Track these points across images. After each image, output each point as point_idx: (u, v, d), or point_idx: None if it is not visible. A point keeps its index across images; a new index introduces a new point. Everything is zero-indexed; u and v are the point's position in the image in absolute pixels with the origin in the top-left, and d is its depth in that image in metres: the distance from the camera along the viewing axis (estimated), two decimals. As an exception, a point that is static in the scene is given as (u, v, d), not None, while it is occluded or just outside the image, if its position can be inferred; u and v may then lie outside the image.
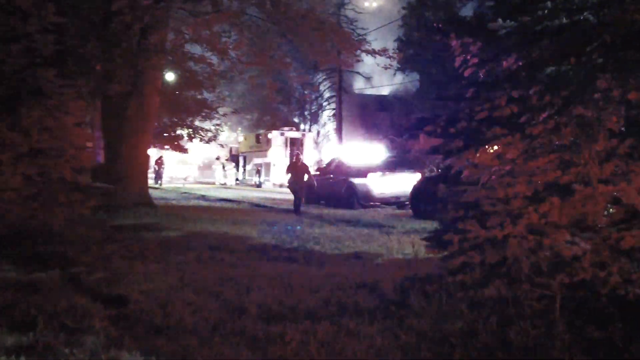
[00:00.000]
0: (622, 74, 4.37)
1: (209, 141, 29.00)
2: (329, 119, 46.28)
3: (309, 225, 13.31)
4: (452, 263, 5.41)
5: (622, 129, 4.75)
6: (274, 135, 34.64)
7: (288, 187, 16.72)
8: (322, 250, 9.56)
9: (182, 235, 10.98)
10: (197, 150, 39.19)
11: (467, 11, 34.74)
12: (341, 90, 41.32)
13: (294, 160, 16.92)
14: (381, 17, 37.73)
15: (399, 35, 38.08)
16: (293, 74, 31.09)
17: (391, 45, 27.08)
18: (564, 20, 4.88)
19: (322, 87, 47.08)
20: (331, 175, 20.40)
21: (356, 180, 19.24)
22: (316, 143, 39.58)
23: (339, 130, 40.40)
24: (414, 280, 6.27)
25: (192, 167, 46.16)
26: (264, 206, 19.73)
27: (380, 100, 45.87)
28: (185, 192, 27.48)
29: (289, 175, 16.44)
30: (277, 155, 34.31)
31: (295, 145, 34.92)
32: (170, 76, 21.06)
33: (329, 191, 19.88)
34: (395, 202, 19.14)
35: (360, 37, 18.09)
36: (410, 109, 38.63)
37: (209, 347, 4.44)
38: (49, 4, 8.92)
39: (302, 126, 47.80)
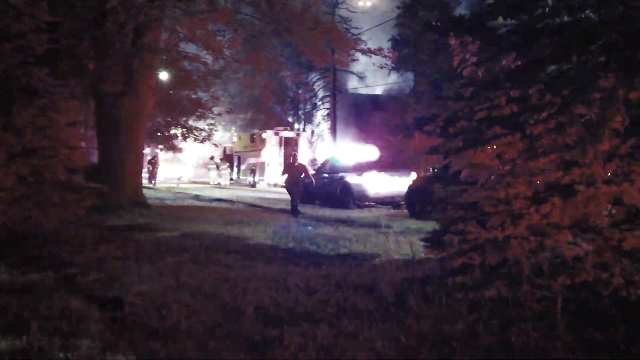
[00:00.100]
0: (626, 73, 4.31)
1: (203, 141, 28.90)
2: (323, 119, 46.26)
3: (305, 226, 13.24)
4: (451, 264, 5.36)
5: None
6: (269, 134, 34.54)
7: (285, 187, 16.61)
8: (319, 251, 9.48)
9: (177, 235, 10.89)
10: (191, 150, 39.09)
11: (460, 10, 34.77)
12: (335, 89, 41.27)
13: (290, 161, 16.81)
14: (375, 17, 37.72)
15: (393, 34, 38.09)
16: (287, 74, 31.04)
17: (385, 44, 26.98)
18: (565, 19, 4.84)
19: (316, 87, 47.05)
20: (326, 175, 20.32)
21: (351, 180, 19.17)
22: (310, 143, 39.45)
23: (333, 130, 40.38)
24: (412, 282, 6.21)
25: (186, 166, 46.01)
26: (259, 206, 19.64)
27: (374, 100, 45.86)
28: (179, 192, 27.35)
29: (286, 175, 16.35)
30: (272, 155, 34.21)
31: (289, 144, 34.84)
32: (164, 75, 20.97)
33: (324, 191, 19.80)
34: (390, 201, 19.07)
35: (356, 37, 17.95)
36: (404, 109, 38.61)
37: (206, 351, 4.37)
38: (42, 2, 8.84)
39: (296, 126, 47.76)
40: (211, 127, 29.11)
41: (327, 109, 44.75)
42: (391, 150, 30.26)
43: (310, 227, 13.00)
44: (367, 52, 16.92)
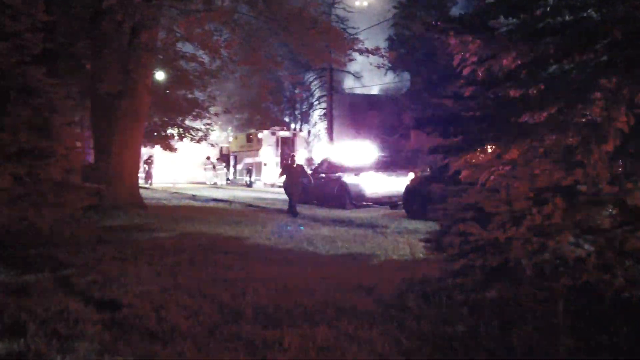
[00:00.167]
0: (628, 73, 4.28)
1: (199, 141, 28.77)
2: (320, 118, 46.17)
3: (303, 226, 13.21)
4: (452, 266, 5.32)
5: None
6: (265, 134, 34.46)
7: (283, 188, 16.56)
8: (317, 251, 9.45)
9: (174, 236, 10.84)
10: (188, 150, 38.94)
11: (457, 10, 34.75)
12: (332, 89, 41.23)
13: (289, 162, 16.76)
14: (371, 16, 37.61)
15: (390, 34, 38.03)
16: (284, 73, 30.98)
17: (382, 44, 26.97)
18: (567, 18, 4.80)
19: (312, 87, 46.99)
20: (323, 175, 20.28)
21: (348, 180, 19.14)
22: (307, 142, 39.37)
23: (329, 130, 40.32)
24: (412, 283, 6.18)
25: (183, 166, 45.86)
26: (257, 206, 19.59)
27: (370, 100, 45.82)
28: (175, 192, 27.29)
29: (284, 176, 16.31)
30: (268, 155, 34.14)
31: (286, 144, 34.78)
32: (160, 75, 20.87)
33: (321, 191, 19.77)
34: (387, 201, 19.05)
35: (352, 36, 17.89)
36: (401, 108, 38.62)
37: (206, 353, 4.33)
38: (38, 1, 8.78)
39: (292, 125, 47.68)
40: (207, 127, 29.00)
41: (324, 108, 44.65)
42: (388, 150, 30.27)
43: (302, 227, 12.97)
44: (365, 51, 16.88)
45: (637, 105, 4.50)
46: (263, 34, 16.90)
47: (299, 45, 16.52)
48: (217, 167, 38.64)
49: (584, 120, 4.77)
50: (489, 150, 5.56)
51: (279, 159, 34.15)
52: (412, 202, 15.88)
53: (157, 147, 30.57)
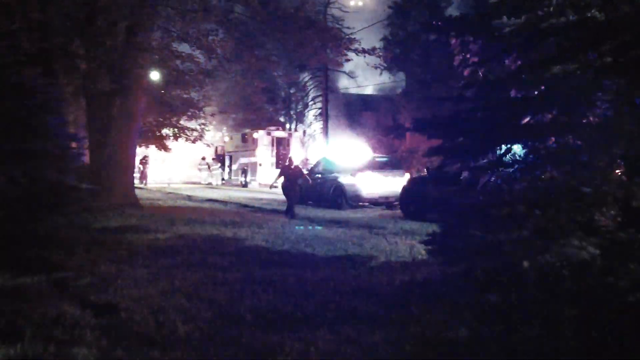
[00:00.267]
0: (635, 74, 4.23)
1: (194, 141, 28.73)
2: (315, 118, 46.07)
3: (300, 226, 13.14)
4: (454, 268, 5.27)
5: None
6: (261, 134, 34.32)
7: (282, 189, 16.46)
8: (315, 253, 9.37)
9: (170, 237, 10.74)
10: (182, 150, 38.80)
11: (452, 11, 34.75)
12: (327, 89, 41.14)
13: (287, 163, 16.66)
14: (365, 16, 37.57)
15: (385, 34, 37.98)
16: (279, 73, 30.87)
17: (376, 44, 26.78)
18: (571, 18, 4.75)
19: (307, 86, 46.87)
20: (319, 176, 20.19)
21: (344, 181, 19.06)
22: (302, 143, 39.22)
23: (325, 130, 40.22)
24: (413, 285, 6.12)
25: (177, 166, 45.73)
26: (252, 207, 19.49)
27: (365, 100, 45.76)
28: (170, 192, 27.14)
29: (282, 177, 16.20)
30: (264, 155, 34.00)
31: (281, 145, 34.67)
32: (155, 75, 20.78)
33: (317, 191, 19.67)
34: (384, 202, 18.99)
35: (348, 36, 17.82)
36: (396, 109, 38.56)
37: (206, 359, 4.25)
38: (33, 1, 8.70)
39: (287, 125, 47.56)
40: (203, 127, 28.93)
41: (319, 108, 44.54)
42: (383, 150, 30.22)
43: (302, 227, 12.91)
44: (362, 52, 16.82)
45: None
46: (259, 34, 16.83)
47: (295, 45, 16.44)
48: (212, 167, 38.50)
49: (588, 121, 4.72)
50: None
51: (274, 159, 34.04)
52: (409, 203, 15.82)
53: (152, 147, 30.53)
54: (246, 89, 22.05)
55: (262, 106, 42.48)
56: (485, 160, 5.57)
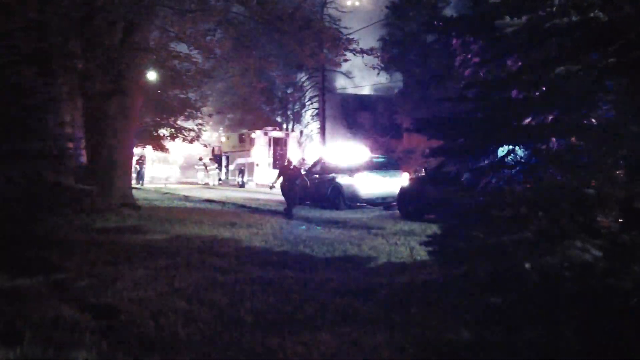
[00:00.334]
0: (637, 75, 4.21)
1: (191, 141, 28.67)
2: (312, 119, 46.05)
3: (297, 228, 13.10)
4: (455, 270, 5.24)
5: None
6: (258, 135, 34.24)
7: (281, 190, 16.39)
8: (313, 254, 9.33)
9: (168, 238, 10.70)
10: (179, 150, 38.77)
11: (449, 11, 34.74)
12: (324, 89, 41.12)
13: (285, 164, 16.61)
14: (362, 17, 37.54)
15: (382, 34, 37.97)
16: (277, 73, 30.83)
17: (373, 44, 26.73)
18: (574, 18, 4.73)
19: (304, 87, 46.85)
20: (317, 176, 20.14)
21: (342, 181, 19.03)
22: (299, 143, 39.18)
23: (322, 130, 40.21)
24: (413, 287, 6.09)
25: (174, 166, 45.67)
26: (250, 207, 19.44)
27: (362, 100, 45.76)
28: (167, 193, 27.06)
29: (281, 178, 16.15)
30: (261, 155, 33.93)
31: (278, 145, 34.62)
32: (152, 75, 20.71)
33: (315, 192, 19.63)
34: (381, 202, 18.96)
35: (346, 37, 17.76)
36: (393, 109, 38.57)
37: (207, 362, 4.23)
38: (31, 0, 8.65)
39: (284, 126, 47.52)
40: (200, 127, 28.89)
41: (316, 108, 44.52)
42: (380, 150, 30.20)
43: (301, 228, 12.89)
44: (360, 52, 16.80)
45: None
46: (256, 34, 16.77)
47: (293, 45, 16.40)
48: (209, 168, 38.43)
49: (590, 123, 4.69)
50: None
51: (271, 160, 33.99)
52: (407, 204, 15.78)
53: (149, 147, 30.48)
54: (244, 89, 22.01)
55: (259, 106, 42.49)
56: (486, 162, 5.55)
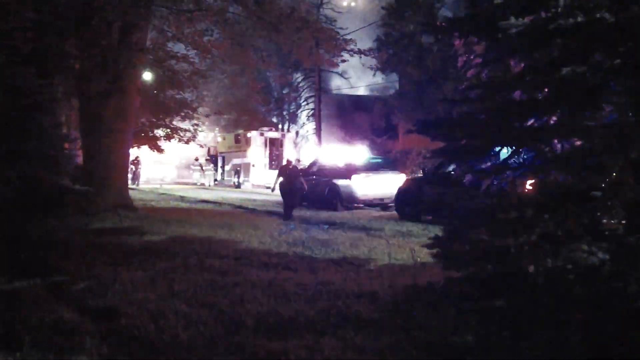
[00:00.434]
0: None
1: (187, 141, 28.61)
2: (308, 119, 46.04)
3: (295, 229, 13.04)
4: (459, 272, 5.19)
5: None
6: (254, 135, 34.17)
7: (280, 191, 16.30)
8: (312, 255, 9.29)
9: (165, 239, 10.64)
10: (174, 150, 38.66)
11: (445, 11, 34.73)
12: (320, 90, 41.09)
13: (285, 164, 16.51)
14: (358, 17, 37.56)
15: (379, 35, 37.92)
16: (273, 74, 30.78)
17: (369, 45, 26.83)
18: (579, 19, 4.68)
19: (300, 87, 46.84)
20: (313, 177, 20.09)
21: (339, 182, 18.99)
22: (295, 143, 39.15)
23: (318, 131, 40.17)
24: (416, 289, 6.05)
25: (169, 167, 45.56)
26: (246, 208, 19.40)
27: (358, 100, 45.73)
28: (163, 193, 26.98)
29: (281, 178, 16.03)
30: (257, 156, 33.87)
31: (274, 145, 34.57)
32: (148, 75, 20.63)
33: (312, 193, 19.55)
34: (379, 203, 18.94)
35: (343, 37, 17.71)
36: (389, 109, 38.54)
37: (210, 366, 4.17)
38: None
39: (280, 126, 47.47)
40: (195, 127, 28.83)
41: (312, 109, 44.53)
42: (377, 151, 30.19)
43: (298, 229, 12.85)
44: (357, 52, 16.77)
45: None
46: (253, 35, 16.71)
47: (290, 45, 16.36)
48: (204, 168, 38.36)
49: (597, 124, 4.64)
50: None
51: (267, 160, 33.95)
52: (405, 205, 15.77)
53: (144, 148, 30.38)
54: (240, 89, 21.93)
55: (255, 107, 42.44)
56: (489, 163, 5.51)
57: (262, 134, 34.52)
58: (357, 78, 44.30)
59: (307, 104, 46.43)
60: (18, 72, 8.48)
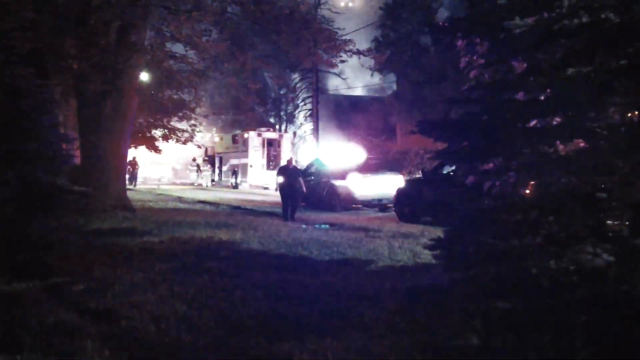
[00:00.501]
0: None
1: (185, 142, 28.53)
2: (305, 120, 45.99)
3: (294, 230, 12.99)
4: (461, 274, 5.15)
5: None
6: (251, 135, 34.10)
7: (279, 191, 16.22)
8: (312, 256, 9.24)
9: (164, 240, 10.58)
10: (171, 151, 38.60)
11: (442, 13, 34.77)
12: (318, 91, 41.04)
13: (285, 164, 16.38)
14: (355, 18, 37.51)
15: (376, 35, 37.92)
16: (271, 74, 30.69)
17: (366, 45, 26.77)
18: (584, 19, 4.65)
19: (298, 87, 46.79)
20: (312, 178, 20.04)
21: (337, 183, 18.97)
22: (293, 144, 39.12)
23: (315, 131, 40.11)
24: (418, 291, 6.01)
25: (167, 167, 45.52)
26: (244, 209, 19.35)
27: (355, 101, 45.69)
28: (161, 194, 26.92)
29: (281, 179, 15.93)
30: (254, 156, 33.81)
31: (272, 146, 34.53)
32: (145, 76, 20.52)
33: (310, 193, 19.47)
34: (377, 204, 18.91)
35: (345, 38, 17.64)
36: (387, 110, 38.53)
37: (213, 370, 4.12)
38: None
39: (277, 127, 47.42)
40: (193, 127, 28.75)
41: (309, 109, 44.48)
42: (374, 151, 30.17)
43: (298, 230, 12.80)
44: (357, 53, 16.71)
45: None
46: (252, 35, 16.67)
47: (289, 46, 16.30)
48: (202, 169, 38.29)
49: (601, 125, 4.61)
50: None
51: (265, 161, 33.89)
52: (404, 206, 15.73)
53: (141, 148, 30.32)
54: (239, 90, 21.87)
55: (252, 107, 42.36)
56: (492, 165, 5.47)
57: (259, 135, 34.46)
58: (354, 78, 44.29)
59: (305, 104, 46.37)
60: (16, 72, 8.43)
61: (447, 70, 26.70)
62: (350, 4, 40.04)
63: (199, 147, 33.75)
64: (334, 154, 22.10)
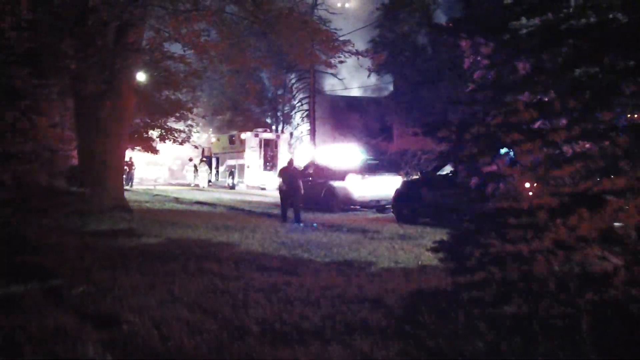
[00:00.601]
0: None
1: (182, 143, 28.45)
2: (302, 120, 45.93)
3: (293, 231, 12.93)
4: (467, 278, 5.09)
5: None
6: (248, 136, 34.02)
7: (279, 192, 16.11)
8: (312, 258, 9.17)
9: (163, 242, 10.50)
10: (168, 151, 38.52)
11: (439, 14, 34.78)
12: (315, 91, 40.97)
13: (286, 165, 16.23)
14: (352, 18, 37.44)
15: (373, 36, 37.89)
16: (267, 75, 30.66)
17: (363, 46, 26.75)
18: (592, 20, 4.60)
19: (294, 88, 46.73)
20: (310, 179, 19.96)
21: (335, 184, 18.91)
22: (289, 144, 39.04)
23: (312, 132, 40.05)
24: (422, 295, 5.95)
25: (163, 168, 45.42)
26: (242, 209, 19.28)
27: (352, 102, 45.65)
28: (157, 195, 26.84)
29: (281, 179, 15.80)
30: (251, 157, 33.74)
31: (269, 146, 34.47)
32: (141, 76, 20.43)
33: (308, 194, 19.37)
34: (375, 205, 18.85)
35: (343, 38, 17.57)
36: (384, 111, 38.50)
37: (217, 376, 4.05)
38: (23, -1, 8.44)
39: (274, 127, 47.36)
40: (190, 128, 28.68)
41: (306, 110, 44.40)
42: (371, 152, 30.13)
43: (297, 230, 12.74)
44: (355, 53, 16.65)
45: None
46: (250, 35, 16.59)
47: (287, 46, 16.24)
48: (199, 169, 38.21)
49: (608, 127, 4.56)
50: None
51: (262, 161, 33.84)
52: (402, 207, 15.68)
53: (137, 149, 30.22)
54: (235, 90, 21.80)
55: (249, 107, 42.31)
56: (495, 166, 5.42)
57: (256, 135, 34.40)
58: (350, 78, 44.23)
59: (302, 105, 46.28)
60: (13, 72, 8.35)
61: (444, 71, 26.68)
62: (346, 5, 39.96)
63: (196, 147, 33.66)
64: (332, 155, 22.02)
